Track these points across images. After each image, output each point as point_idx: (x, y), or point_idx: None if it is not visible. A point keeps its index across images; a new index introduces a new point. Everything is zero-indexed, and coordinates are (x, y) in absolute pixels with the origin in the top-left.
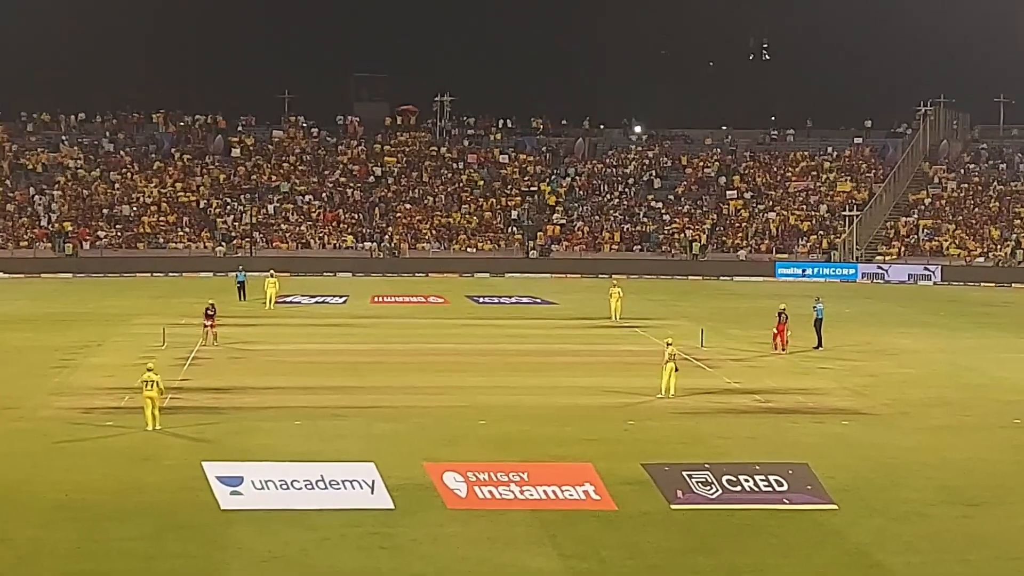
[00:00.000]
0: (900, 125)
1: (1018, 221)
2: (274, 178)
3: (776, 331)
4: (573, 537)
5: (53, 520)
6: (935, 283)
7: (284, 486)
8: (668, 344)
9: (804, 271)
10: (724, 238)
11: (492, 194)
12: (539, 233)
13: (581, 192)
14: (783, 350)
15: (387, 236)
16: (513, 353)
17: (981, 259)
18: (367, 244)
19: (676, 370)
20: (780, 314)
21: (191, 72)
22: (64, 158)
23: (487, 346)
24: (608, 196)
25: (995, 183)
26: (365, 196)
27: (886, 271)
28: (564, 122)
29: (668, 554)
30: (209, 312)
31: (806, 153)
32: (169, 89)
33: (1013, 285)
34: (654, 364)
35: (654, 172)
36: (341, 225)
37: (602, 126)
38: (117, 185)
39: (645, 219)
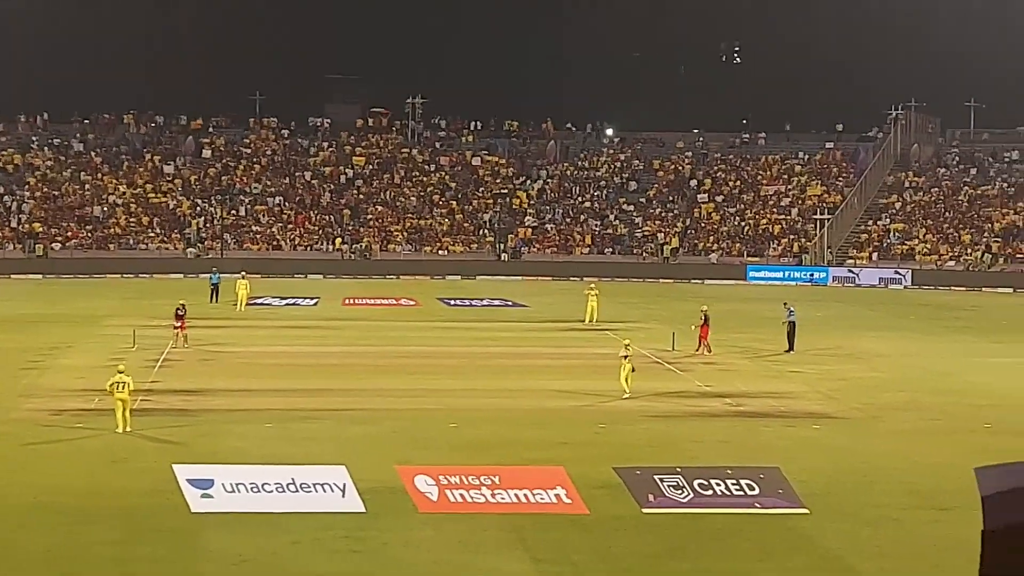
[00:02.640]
0: (871, 129)
1: (988, 225)
2: (245, 179)
3: (700, 333)
4: (545, 541)
5: (24, 523)
6: (906, 287)
7: (255, 489)
8: (625, 345)
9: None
10: (696, 241)
11: (464, 196)
12: (510, 236)
13: (552, 195)
14: (708, 352)
15: (359, 238)
16: (485, 356)
17: (952, 263)
18: (339, 246)
19: (632, 370)
20: (703, 315)
21: (162, 73)
22: (34, 159)
23: (459, 349)
24: (580, 199)
25: (966, 187)
26: (336, 198)
27: (857, 275)
28: (535, 124)
29: (640, 558)
30: (179, 313)
31: (778, 157)
32: (140, 90)
33: (984, 289)
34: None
35: (626, 175)
36: (312, 227)
37: (573, 128)
38: (88, 186)
39: (616, 222)
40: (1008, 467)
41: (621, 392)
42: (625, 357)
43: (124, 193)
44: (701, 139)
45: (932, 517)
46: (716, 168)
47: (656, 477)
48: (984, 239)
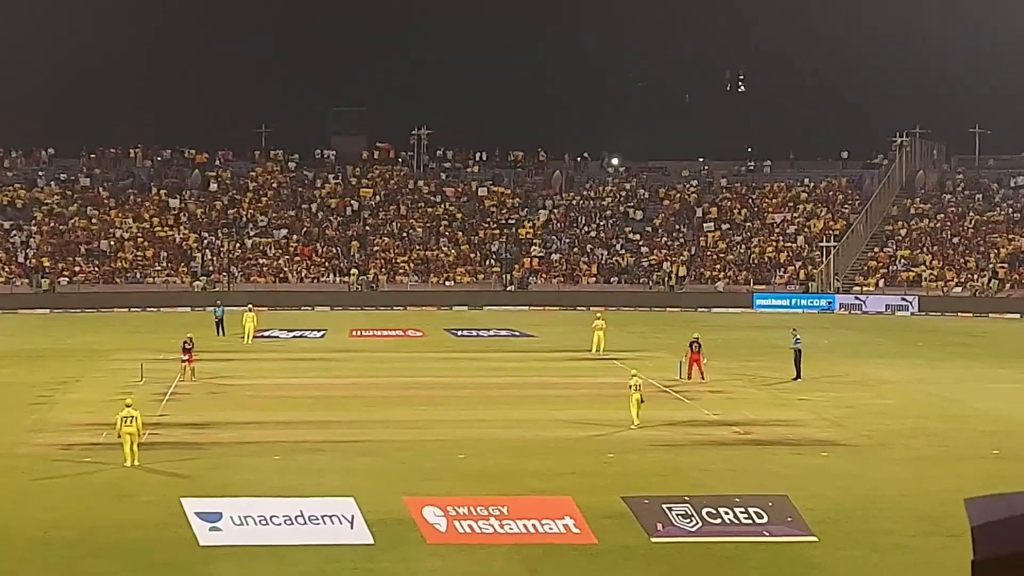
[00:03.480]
0: (876, 156)
1: (995, 251)
2: (252, 212)
3: (689, 361)
4: (554, 571)
5: (31, 558)
6: (912, 314)
7: (263, 522)
8: (633, 375)
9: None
10: (702, 269)
11: (470, 227)
12: (517, 266)
13: (558, 225)
14: (702, 377)
15: (365, 270)
16: (492, 386)
17: (958, 289)
18: (355, 277)
19: (642, 401)
20: (693, 344)
21: (169, 107)
22: (41, 194)
23: (466, 379)
24: (585, 228)
25: (971, 213)
26: (343, 230)
27: (863, 302)
28: (541, 155)
29: None
30: (187, 346)
31: (783, 184)
32: (146, 124)
33: (990, 315)
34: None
35: (631, 204)
36: (319, 259)
37: (579, 158)
38: (94, 220)
39: (623, 251)
40: (997, 497)
41: (629, 422)
42: (633, 387)
43: (131, 227)
44: (706, 168)
45: (941, 544)
46: (722, 196)
47: (664, 506)
48: (990, 265)
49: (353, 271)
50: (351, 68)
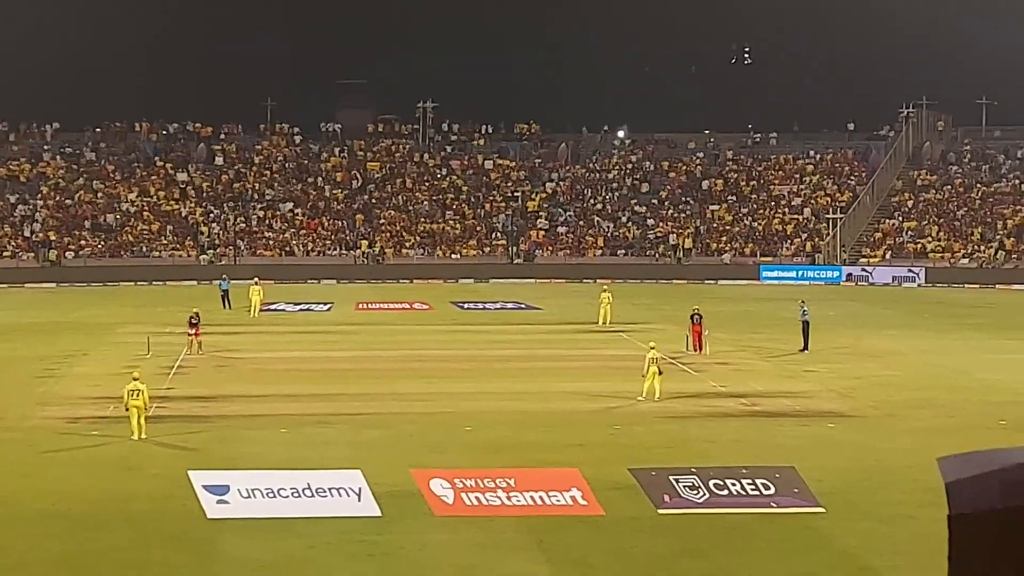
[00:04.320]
0: (882, 128)
1: (1001, 222)
2: (257, 186)
3: (692, 333)
4: (561, 543)
5: (40, 530)
6: (919, 285)
7: (271, 494)
8: (651, 348)
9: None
10: (708, 242)
11: (476, 200)
12: (523, 238)
13: (565, 197)
14: (699, 351)
15: (371, 243)
16: (498, 359)
17: (965, 261)
18: (364, 248)
19: (660, 373)
20: (694, 315)
21: (173, 81)
22: (47, 168)
23: (472, 352)
24: (592, 201)
25: (978, 184)
26: (348, 203)
27: (870, 273)
28: (546, 127)
29: (656, 559)
30: (193, 321)
31: (789, 156)
32: (151, 98)
33: (997, 286)
34: (640, 368)
35: (638, 177)
36: (325, 232)
37: (585, 131)
38: (100, 194)
39: (629, 224)
40: (967, 456)
41: (637, 394)
42: (650, 360)
43: (136, 201)
44: (712, 140)
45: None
46: (728, 169)
47: (671, 478)
48: (997, 236)
49: (363, 242)
50: (356, 41)
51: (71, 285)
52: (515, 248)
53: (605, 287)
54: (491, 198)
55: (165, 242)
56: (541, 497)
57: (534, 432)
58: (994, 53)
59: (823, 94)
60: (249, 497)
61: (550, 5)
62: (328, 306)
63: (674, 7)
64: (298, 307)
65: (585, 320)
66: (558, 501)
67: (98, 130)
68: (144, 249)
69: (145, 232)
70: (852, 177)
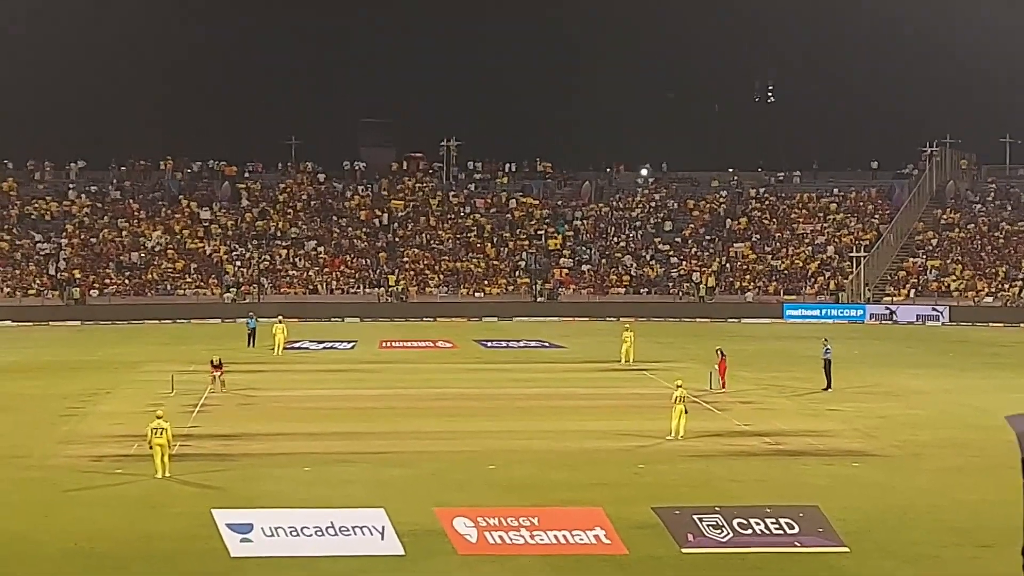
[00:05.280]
0: (906, 166)
1: None
2: (281, 224)
3: (718, 368)
4: None
5: (62, 569)
6: (943, 324)
7: (294, 533)
8: (678, 386)
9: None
10: (732, 280)
11: (499, 238)
12: (546, 277)
13: (588, 236)
14: (724, 387)
15: (394, 281)
16: (522, 397)
17: (989, 299)
18: (391, 283)
19: (685, 412)
20: (719, 352)
21: (198, 119)
22: (72, 206)
23: (496, 390)
24: (615, 239)
25: (1002, 223)
26: (372, 241)
27: (894, 312)
28: (570, 166)
29: None
30: (215, 363)
31: (812, 195)
32: (176, 136)
33: (1022, 325)
34: (663, 407)
35: (661, 215)
36: (348, 270)
37: (608, 169)
38: (125, 232)
39: (652, 262)
40: None
41: (665, 433)
42: (676, 399)
43: (161, 239)
44: (736, 178)
45: (972, 554)
46: (751, 207)
47: (695, 517)
48: (1021, 275)
49: (391, 277)
50: (380, 80)
51: (95, 323)
52: (538, 286)
53: (627, 325)
54: (514, 236)
55: (189, 280)
56: (565, 536)
57: (558, 471)
58: (1018, 92)
59: (847, 133)
60: (272, 536)
61: (574, 45)
62: (352, 344)
63: (697, 45)
64: (322, 345)
65: (608, 359)
66: (582, 540)
67: (123, 168)
68: (168, 287)
69: (169, 270)
70: (876, 215)
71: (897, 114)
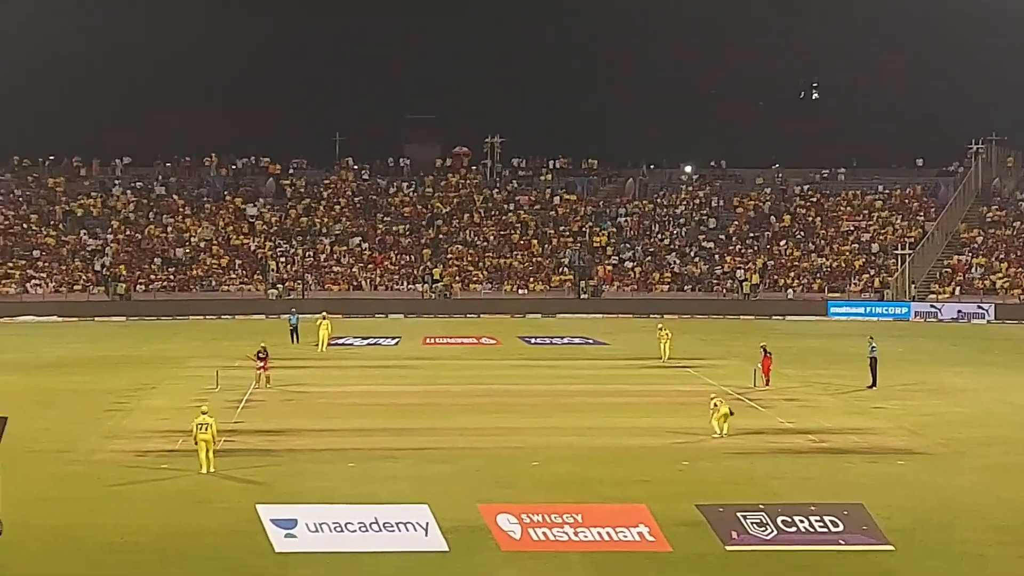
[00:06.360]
0: (952, 163)
1: None
2: (326, 220)
3: (762, 365)
4: None
5: (107, 563)
6: (989, 321)
7: (338, 528)
8: (714, 404)
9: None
10: (776, 277)
11: (543, 235)
12: (590, 274)
13: (632, 233)
14: (768, 384)
15: (438, 277)
16: (566, 394)
17: None
18: (419, 286)
19: (731, 413)
20: (763, 349)
21: (243, 115)
22: (117, 202)
23: (539, 387)
24: (659, 236)
25: None
26: (416, 238)
27: (939, 310)
28: (614, 163)
29: None
30: (260, 355)
31: (857, 192)
32: (221, 133)
33: None
34: (707, 404)
35: (705, 212)
36: (392, 266)
37: (652, 166)
38: (170, 228)
39: (696, 259)
40: None
41: (710, 431)
42: (715, 404)
43: (206, 235)
44: (780, 175)
45: (1019, 552)
46: (796, 204)
47: (739, 514)
48: None
49: (437, 270)
50: (424, 76)
51: (140, 319)
52: (582, 283)
53: (661, 324)
54: (558, 233)
55: (234, 276)
56: (608, 533)
57: (601, 468)
58: None
59: (892, 129)
60: (317, 531)
61: (619, 42)
62: (396, 340)
63: (741, 42)
64: (366, 341)
65: (652, 356)
66: (625, 537)
67: (168, 164)
68: (213, 283)
69: (214, 266)
70: (921, 213)
71: (942, 111)
